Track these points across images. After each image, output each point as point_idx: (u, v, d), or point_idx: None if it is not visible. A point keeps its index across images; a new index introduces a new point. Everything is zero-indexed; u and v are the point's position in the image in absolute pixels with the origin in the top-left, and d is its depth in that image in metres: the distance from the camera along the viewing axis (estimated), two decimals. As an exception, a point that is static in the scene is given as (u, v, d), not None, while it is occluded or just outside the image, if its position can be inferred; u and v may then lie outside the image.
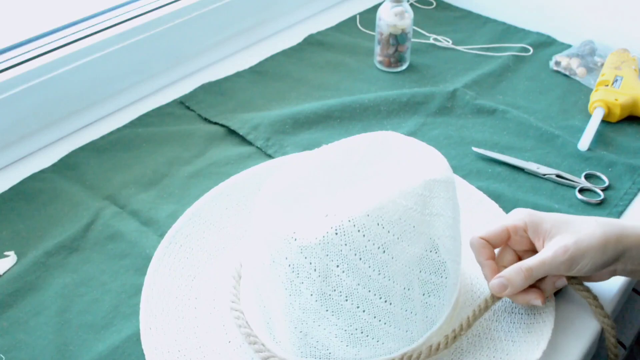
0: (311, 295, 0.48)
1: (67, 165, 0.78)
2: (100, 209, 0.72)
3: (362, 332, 0.50)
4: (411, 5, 1.14)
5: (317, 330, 0.50)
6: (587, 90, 0.91)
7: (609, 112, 0.85)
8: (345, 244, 0.47)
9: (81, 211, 0.71)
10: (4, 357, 0.56)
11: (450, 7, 1.15)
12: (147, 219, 0.70)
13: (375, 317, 0.50)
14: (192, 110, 0.88)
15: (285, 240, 0.48)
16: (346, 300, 0.48)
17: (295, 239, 0.48)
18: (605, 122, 0.85)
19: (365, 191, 0.51)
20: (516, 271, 0.55)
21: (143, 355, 0.56)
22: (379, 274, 0.48)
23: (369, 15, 1.11)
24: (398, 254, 0.49)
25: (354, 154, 0.55)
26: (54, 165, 0.78)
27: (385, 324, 0.50)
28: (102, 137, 0.82)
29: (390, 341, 0.51)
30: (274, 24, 1.07)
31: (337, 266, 0.47)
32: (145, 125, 0.85)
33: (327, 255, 0.47)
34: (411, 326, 0.51)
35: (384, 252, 0.48)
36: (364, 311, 0.49)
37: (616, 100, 0.84)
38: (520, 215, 0.58)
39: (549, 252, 0.54)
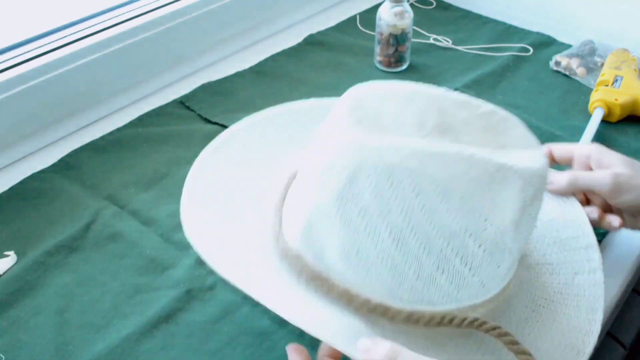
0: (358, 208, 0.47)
1: (67, 165, 0.78)
2: (100, 209, 0.72)
3: (356, 254, 0.48)
4: (411, 5, 1.14)
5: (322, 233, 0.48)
6: (587, 90, 0.91)
7: (609, 112, 0.85)
8: (413, 175, 0.45)
9: (81, 211, 0.71)
10: (3, 357, 0.56)
11: (450, 7, 1.15)
12: (147, 219, 0.70)
13: (378, 253, 0.47)
14: (192, 110, 0.88)
15: (358, 147, 0.46)
16: (362, 217, 0.46)
17: (376, 152, 0.46)
18: (605, 122, 0.85)
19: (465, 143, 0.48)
20: (562, 174, 0.61)
21: (142, 355, 0.56)
22: (424, 216, 0.46)
23: (369, 15, 1.11)
24: (442, 215, 0.46)
25: (471, 108, 0.51)
26: (54, 165, 0.78)
27: (384, 263, 0.47)
28: (102, 137, 0.82)
29: (378, 284, 0.48)
30: (274, 24, 1.07)
31: (391, 187, 0.45)
32: (145, 125, 0.85)
33: (392, 182, 0.45)
34: (404, 285, 0.48)
35: (441, 200, 0.45)
36: (373, 238, 0.47)
37: (616, 100, 0.84)
38: (588, 146, 0.63)
39: (600, 171, 0.59)
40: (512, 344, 0.48)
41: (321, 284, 0.50)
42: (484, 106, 0.52)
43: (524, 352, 0.48)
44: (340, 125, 0.49)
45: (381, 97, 0.52)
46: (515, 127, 0.52)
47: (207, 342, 0.58)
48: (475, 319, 0.48)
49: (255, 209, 0.57)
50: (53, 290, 0.62)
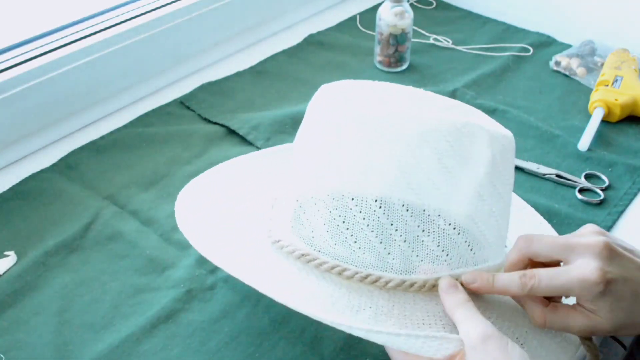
0: None
1: (67, 165, 0.78)
2: (100, 209, 0.72)
3: (347, 229, 0.49)
4: (411, 5, 1.14)
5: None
6: (587, 90, 0.91)
7: (609, 112, 0.85)
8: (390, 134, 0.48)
9: (81, 211, 0.71)
10: (4, 357, 0.56)
11: (450, 7, 1.15)
12: (147, 219, 0.70)
13: (364, 217, 0.48)
14: (192, 110, 0.88)
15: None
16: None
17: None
18: (605, 122, 0.85)
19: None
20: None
21: (142, 355, 0.56)
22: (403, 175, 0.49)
23: (369, 15, 1.11)
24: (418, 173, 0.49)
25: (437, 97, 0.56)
26: (54, 165, 0.78)
27: (372, 230, 0.48)
28: (102, 137, 0.82)
29: (368, 252, 0.49)
30: (274, 24, 1.07)
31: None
32: (145, 125, 0.85)
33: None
34: (393, 249, 0.49)
35: (416, 158, 0.48)
36: (360, 212, 0.48)
37: (616, 100, 0.84)
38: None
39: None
40: None
41: (312, 259, 0.50)
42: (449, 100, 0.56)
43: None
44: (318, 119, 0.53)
45: (357, 86, 0.56)
46: (479, 113, 0.55)
47: (207, 342, 0.58)
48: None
49: (247, 213, 0.58)
50: (53, 290, 0.62)
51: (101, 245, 0.67)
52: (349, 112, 0.50)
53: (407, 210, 0.48)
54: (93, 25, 0.85)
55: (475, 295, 0.50)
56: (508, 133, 0.52)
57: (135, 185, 0.75)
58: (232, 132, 0.84)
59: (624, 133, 0.84)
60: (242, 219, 0.57)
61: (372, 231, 0.48)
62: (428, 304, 0.49)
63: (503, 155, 0.51)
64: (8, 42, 0.79)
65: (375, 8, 1.11)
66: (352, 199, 0.48)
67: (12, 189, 0.74)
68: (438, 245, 0.49)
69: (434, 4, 1.16)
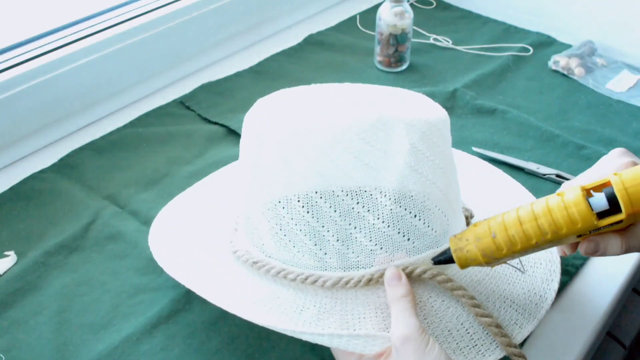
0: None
1: (67, 165, 0.78)
2: (100, 209, 0.72)
3: (285, 235, 0.51)
4: (411, 5, 1.14)
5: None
6: (587, 90, 0.91)
7: None
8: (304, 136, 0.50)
9: (81, 211, 0.71)
10: (4, 357, 0.56)
11: (450, 7, 1.15)
12: (147, 219, 0.70)
13: (295, 223, 0.50)
14: (192, 110, 0.88)
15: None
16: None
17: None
18: None
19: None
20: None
21: (142, 355, 0.56)
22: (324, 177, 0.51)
23: (369, 15, 1.11)
24: (339, 172, 0.50)
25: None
26: (54, 165, 0.78)
27: (305, 235, 0.50)
28: (102, 137, 0.82)
29: (306, 255, 0.51)
30: (274, 24, 1.07)
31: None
32: (145, 125, 0.85)
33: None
34: (329, 249, 0.50)
35: (334, 158, 0.50)
36: (292, 218, 0.50)
37: None
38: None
39: None
40: (445, 282, 0.50)
41: (262, 265, 0.53)
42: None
43: (460, 288, 0.50)
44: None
45: (287, 96, 0.57)
46: (409, 100, 0.56)
47: (207, 343, 0.58)
48: (405, 267, 0.50)
49: (216, 226, 0.62)
50: (53, 290, 0.62)
51: (101, 245, 0.67)
52: (270, 126, 0.52)
53: (335, 210, 0.49)
54: (93, 25, 0.85)
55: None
56: (431, 117, 0.53)
57: (135, 185, 0.75)
58: (232, 132, 0.84)
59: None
60: (211, 232, 0.61)
61: (305, 235, 0.50)
62: (369, 297, 0.50)
63: (425, 140, 0.51)
64: (8, 42, 0.80)
65: (375, 8, 1.11)
66: (283, 207, 0.50)
67: (12, 189, 0.74)
68: (370, 240, 0.50)
69: (434, 4, 1.16)
